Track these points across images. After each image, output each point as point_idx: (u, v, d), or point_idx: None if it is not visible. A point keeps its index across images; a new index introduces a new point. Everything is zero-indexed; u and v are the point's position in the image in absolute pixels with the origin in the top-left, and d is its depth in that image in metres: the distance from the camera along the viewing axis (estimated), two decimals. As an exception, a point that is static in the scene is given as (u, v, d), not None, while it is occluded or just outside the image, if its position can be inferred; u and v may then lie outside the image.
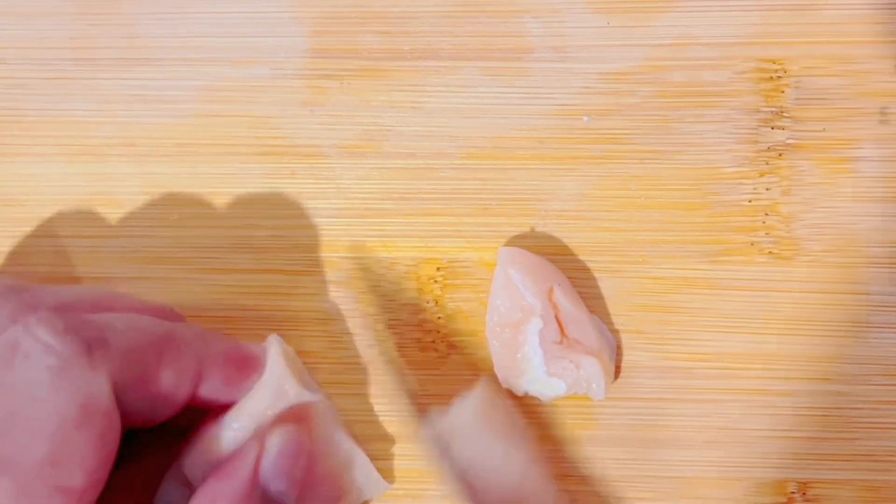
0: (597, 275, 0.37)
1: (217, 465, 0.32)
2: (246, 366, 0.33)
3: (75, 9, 0.39)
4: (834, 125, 0.37)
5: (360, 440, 0.37)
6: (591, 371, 0.35)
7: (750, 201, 0.37)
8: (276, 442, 0.32)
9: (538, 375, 0.35)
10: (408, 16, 0.38)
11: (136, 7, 0.39)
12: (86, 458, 0.28)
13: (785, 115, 0.37)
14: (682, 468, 0.36)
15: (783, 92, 0.37)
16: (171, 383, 0.31)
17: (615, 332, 0.37)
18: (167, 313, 0.34)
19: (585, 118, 0.38)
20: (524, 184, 0.37)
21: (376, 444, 0.37)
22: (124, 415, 0.30)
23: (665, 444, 0.36)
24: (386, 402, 0.37)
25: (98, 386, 0.29)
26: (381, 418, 0.37)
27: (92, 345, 0.29)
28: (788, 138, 0.37)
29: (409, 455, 0.37)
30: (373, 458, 0.36)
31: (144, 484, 0.33)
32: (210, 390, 0.32)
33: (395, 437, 0.37)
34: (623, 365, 0.37)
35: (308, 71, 0.38)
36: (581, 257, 0.37)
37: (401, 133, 0.38)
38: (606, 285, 0.37)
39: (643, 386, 0.36)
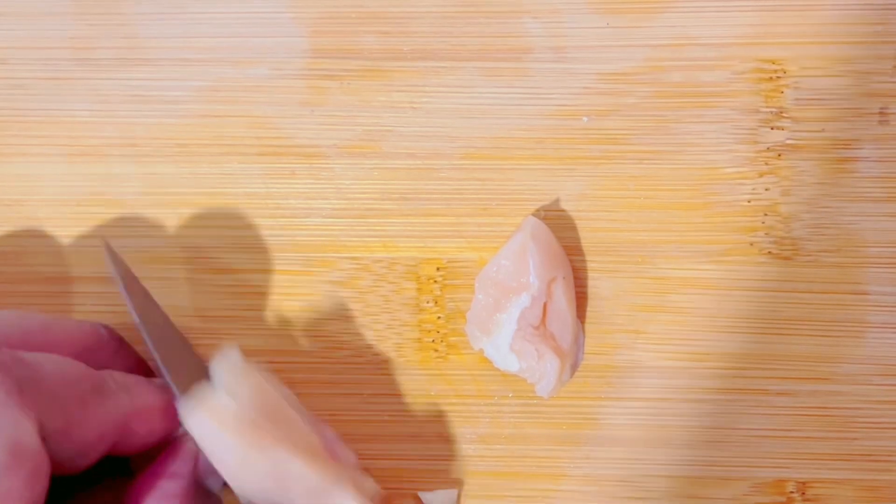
0: (596, 275, 0.37)
1: (160, 462, 0.32)
2: (170, 417, 0.32)
3: (75, 9, 0.39)
4: (833, 125, 0.37)
5: (359, 440, 0.37)
6: (549, 368, 0.35)
7: (749, 201, 0.37)
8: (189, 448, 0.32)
9: (501, 343, 0.35)
10: (407, 16, 0.38)
11: (136, 7, 0.39)
12: (17, 499, 0.27)
13: (784, 115, 0.37)
14: (682, 468, 0.36)
15: (782, 92, 0.37)
16: (94, 436, 0.30)
17: (615, 331, 0.37)
18: (101, 339, 0.34)
19: (585, 119, 0.38)
20: (524, 184, 0.38)
21: (375, 444, 0.37)
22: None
23: (665, 444, 0.36)
24: (385, 403, 0.37)
25: (26, 428, 0.28)
26: (380, 419, 0.37)
27: (23, 385, 0.28)
28: (788, 138, 0.37)
29: (408, 455, 0.37)
30: (372, 458, 0.36)
31: None
32: (132, 442, 0.32)
33: (395, 437, 0.37)
34: (623, 365, 0.37)
35: (308, 71, 0.38)
36: (581, 257, 0.37)
37: (400, 133, 0.38)
38: (606, 285, 0.37)
39: (643, 386, 0.37)
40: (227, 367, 0.32)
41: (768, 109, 0.37)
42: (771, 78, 0.37)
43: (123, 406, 0.31)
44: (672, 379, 0.36)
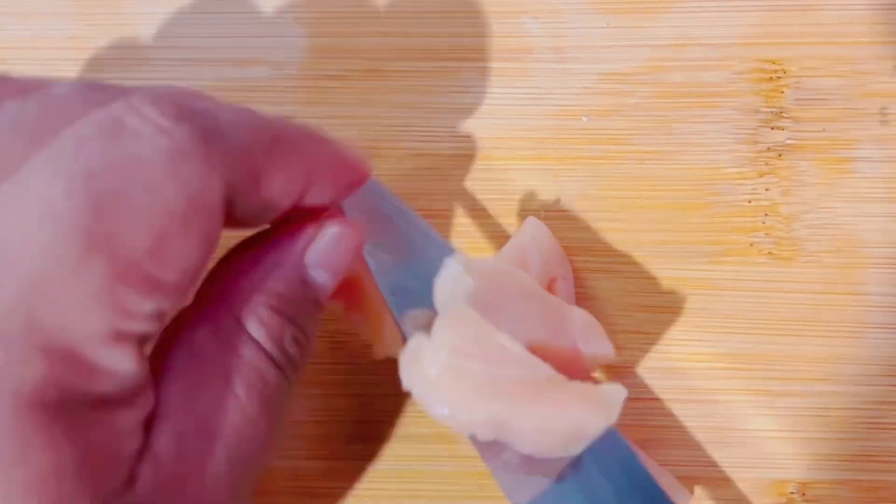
0: (596, 275, 0.37)
1: (268, 244, 0.29)
2: (354, 171, 0.30)
3: (75, 9, 0.39)
4: (834, 125, 0.37)
5: (359, 440, 0.37)
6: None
7: (750, 202, 0.37)
8: (331, 232, 0.29)
9: None
10: (407, 16, 0.38)
11: (136, 7, 0.39)
12: (184, 258, 0.25)
13: (785, 115, 0.37)
14: (681, 469, 0.36)
15: (783, 92, 0.37)
16: (281, 189, 0.27)
17: (614, 331, 0.37)
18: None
19: (585, 119, 0.38)
20: (524, 184, 0.38)
21: (375, 445, 0.37)
22: (227, 218, 0.26)
23: (665, 444, 0.36)
24: (386, 403, 0.37)
25: (211, 182, 0.25)
26: (381, 419, 0.37)
27: (207, 136, 0.25)
28: (788, 139, 0.37)
29: (407, 455, 0.37)
30: (372, 458, 0.36)
31: None
32: (315, 196, 0.29)
33: (395, 437, 0.37)
34: (623, 365, 0.37)
35: (308, 71, 0.38)
36: (580, 257, 0.37)
37: (400, 133, 0.38)
38: (606, 285, 0.37)
39: (643, 386, 0.36)
40: (449, 292, 0.29)
41: (769, 109, 0.37)
42: (771, 78, 0.37)
43: (308, 155, 0.28)
44: (671, 379, 0.36)
